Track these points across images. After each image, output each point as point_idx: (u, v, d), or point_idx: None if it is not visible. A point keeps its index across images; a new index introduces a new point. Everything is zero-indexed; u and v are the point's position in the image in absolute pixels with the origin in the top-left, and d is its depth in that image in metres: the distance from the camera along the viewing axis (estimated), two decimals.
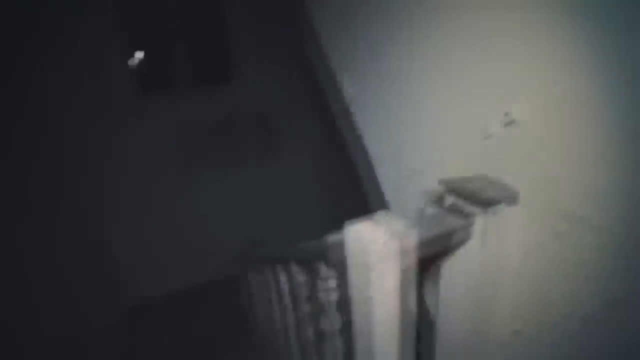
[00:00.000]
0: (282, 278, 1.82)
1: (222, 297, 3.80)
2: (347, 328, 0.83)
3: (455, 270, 0.84)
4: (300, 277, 1.46)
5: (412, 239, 0.66)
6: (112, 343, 3.04)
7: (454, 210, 0.79)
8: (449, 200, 0.81)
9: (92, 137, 3.07)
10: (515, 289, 0.85)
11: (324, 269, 1.09)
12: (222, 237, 3.94)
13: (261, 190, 4.07)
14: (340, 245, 0.76)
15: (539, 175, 0.72)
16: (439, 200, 0.83)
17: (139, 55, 3.28)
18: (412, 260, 0.68)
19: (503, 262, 0.84)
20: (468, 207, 0.77)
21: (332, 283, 1.13)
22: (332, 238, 0.78)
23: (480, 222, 0.76)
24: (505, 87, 0.73)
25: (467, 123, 0.85)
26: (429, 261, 0.75)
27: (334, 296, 1.19)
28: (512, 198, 0.76)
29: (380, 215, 0.71)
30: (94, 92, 2.99)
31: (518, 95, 0.71)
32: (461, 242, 0.79)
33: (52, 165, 2.64)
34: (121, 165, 3.28)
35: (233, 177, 3.83)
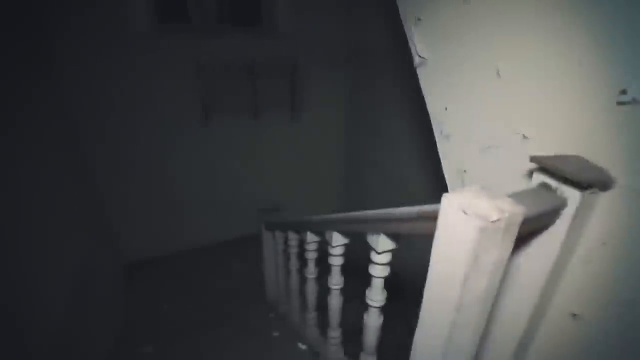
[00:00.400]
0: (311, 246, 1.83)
1: (230, 258, 3.85)
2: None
3: (532, 251, 0.82)
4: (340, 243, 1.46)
5: (520, 215, 0.62)
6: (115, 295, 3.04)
7: (545, 189, 0.76)
8: (539, 178, 0.78)
9: (99, 66, 2.88)
10: (582, 274, 0.83)
11: (377, 240, 1.08)
12: (236, 195, 3.90)
13: (282, 147, 3.97)
14: (429, 216, 0.74)
15: (636, 158, 0.69)
16: (528, 178, 0.79)
17: None
18: (513, 239, 0.65)
19: (579, 247, 0.82)
20: (561, 188, 0.74)
21: (387, 256, 1.13)
22: (420, 207, 0.75)
23: (574, 204, 0.73)
24: (620, 62, 0.68)
25: (561, 97, 0.80)
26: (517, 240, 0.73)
27: (381, 271, 1.19)
28: (606, 183, 0.73)
29: (478, 188, 0.68)
30: (104, 13, 2.76)
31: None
32: (549, 224, 0.76)
33: (55, 106, 2.51)
34: (130, 104, 3.11)
35: (252, 131, 3.70)
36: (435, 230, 0.69)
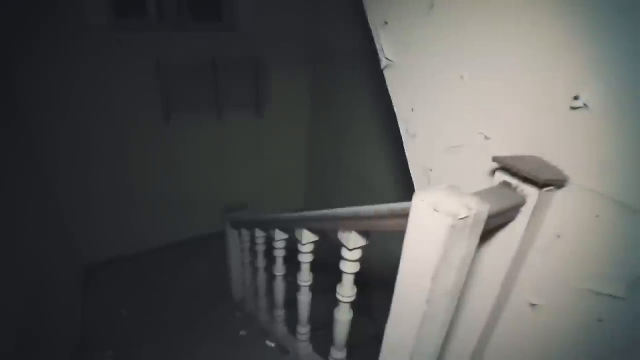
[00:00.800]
0: (279, 244, 1.84)
1: (193, 257, 3.79)
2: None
3: (494, 245, 0.88)
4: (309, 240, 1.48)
5: (485, 212, 0.67)
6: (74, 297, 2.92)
7: (506, 187, 0.81)
8: (500, 177, 0.83)
9: (53, 62, 2.73)
10: (539, 265, 0.89)
11: (349, 237, 1.11)
12: (199, 193, 3.84)
13: (246, 145, 3.92)
14: (400, 214, 0.77)
15: (591, 159, 0.75)
16: (489, 176, 0.85)
17: None
18: (479, 234, 0.69)
19: (536, 241, 0.88)
20: (521, 186, 0.79)
21: (358, 252, 1.16)
22: (392, 206, 0.78)
23: (532, 201, 0.78)
24: (577, 67, 0.74)
25: (520, 100, 0.86)
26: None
27: (351, 267, 1.22)
28: (561, 181, 0.79)
29: (447, 187, 0.72)
30: (57, 7, 2.61)
31: (591, 77, 0.72)
32: (510, 219, 0.82)
33: (5, 103, 2.38)
34: (86, 102, 2.97)
35: (215, 128, 3.63)
36: (406, 227, 0.73)
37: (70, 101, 2.89)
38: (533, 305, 0.93)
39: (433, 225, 0.66)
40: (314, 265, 1.64)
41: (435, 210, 0.65)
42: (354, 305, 1.37)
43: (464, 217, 0.63)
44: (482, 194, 0.74)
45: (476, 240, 0.70)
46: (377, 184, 3.33)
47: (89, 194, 3.26)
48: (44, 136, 2.86)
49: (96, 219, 3.39)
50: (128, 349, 2.61)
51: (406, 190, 2.79)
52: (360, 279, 1.30)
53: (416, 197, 0.69)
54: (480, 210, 0.66)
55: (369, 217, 0.92)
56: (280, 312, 2.17)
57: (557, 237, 0.84)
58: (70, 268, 3.07)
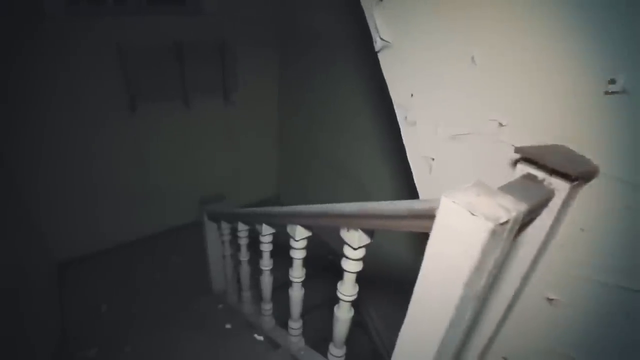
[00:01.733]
0: (266, 238, 1.76)
1: (168, 250, 3.67)
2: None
3: (518, 242, 0.82)
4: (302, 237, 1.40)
5: (522, 213, 0.60)
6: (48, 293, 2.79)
7: (532, 180, 0.75)
8: (524, 169, 0.77)
9: (10, 55, 2.55)
10: (559, 259, 0.85)
11: (354, 235, 1.04)
12: (171, 185, 3.71)
13: (216, 132, 3.78)
14: (423, 214, 0.70)
15: (627, 149, 0.69)
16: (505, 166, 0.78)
17: None
18: (514, 236, 0.63)
19: (558, 234, 0.83)
20: (549, 179, 0.73)
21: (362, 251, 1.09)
22: (411, 204, 0.71)
23: (561, 196, 0.73)
24: (608, 51, 0.68)
25: (543, 84, 0.79)
26: None
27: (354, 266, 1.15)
28: (591, 173, 0.73)
29: (474, 185, 0.65)
30: None
31: (631, 59, 0.65)
32: (537, 215, 0.76)
33: None
34: (48, 95, 2.80)
35: (183, 116, 3.50)
36: (429, 228, 0.66)
37: (31, 95, 2.71)
38: (550, 299, 0.89)
39: (469, 230, 0.59)
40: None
41: (472, 213, 0.57)
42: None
43: (505, 222, 0.56)
44: (511, 190, 0.68)
45: (510, 242, 0.64)
46: (356, 170, 3.25)
47: (57, 190, 3.11)
48: (5, 133, 2.66)
49: (66, 216, 3.24)
50: (112, 345, 2.54)
51: (391, 177, 2.71)
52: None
53: (446, 198, 0.61)
54: (519, 210, 0.59)
55: (382, 216, 0.84)
56: (267, 306, 2.10)
57: (581, 231, 0.79)
58: (43, 267, 2.93)
